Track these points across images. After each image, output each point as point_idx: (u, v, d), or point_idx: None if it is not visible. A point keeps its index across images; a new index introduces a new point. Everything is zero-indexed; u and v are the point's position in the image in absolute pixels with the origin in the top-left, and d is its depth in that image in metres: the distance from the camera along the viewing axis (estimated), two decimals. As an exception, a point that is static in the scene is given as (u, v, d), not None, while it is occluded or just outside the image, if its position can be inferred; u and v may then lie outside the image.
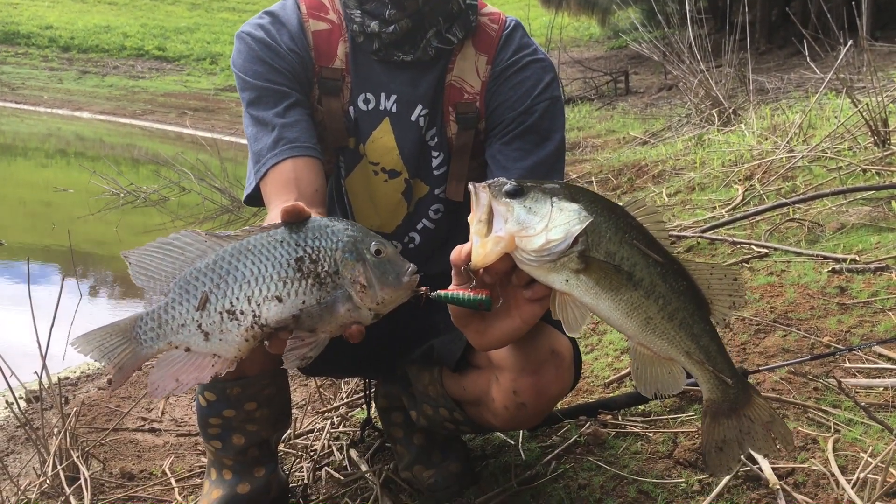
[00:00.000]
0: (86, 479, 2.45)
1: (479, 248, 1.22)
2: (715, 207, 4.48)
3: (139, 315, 1.23)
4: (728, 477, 1.82)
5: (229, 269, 1.19)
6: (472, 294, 1.28)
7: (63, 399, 2.85)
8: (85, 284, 5.88)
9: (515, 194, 1.22)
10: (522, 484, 2.00)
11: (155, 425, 3.12)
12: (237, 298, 1.18)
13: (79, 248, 6.23)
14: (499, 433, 2.29)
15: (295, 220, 1.24)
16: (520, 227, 1.20)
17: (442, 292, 1.30)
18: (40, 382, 2.76)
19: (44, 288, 5.59)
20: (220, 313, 1.18)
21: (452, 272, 1.31)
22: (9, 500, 2.40)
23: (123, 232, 7.87)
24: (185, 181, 9.18)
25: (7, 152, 13.88)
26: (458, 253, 1.27)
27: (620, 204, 1.26)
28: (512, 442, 2.24)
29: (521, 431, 2.25)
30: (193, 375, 1.21)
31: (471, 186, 1.26)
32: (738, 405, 1.28)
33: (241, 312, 1.18)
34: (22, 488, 2.49)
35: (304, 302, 1.19)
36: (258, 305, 1.18)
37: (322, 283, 1.20)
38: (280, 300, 1.18)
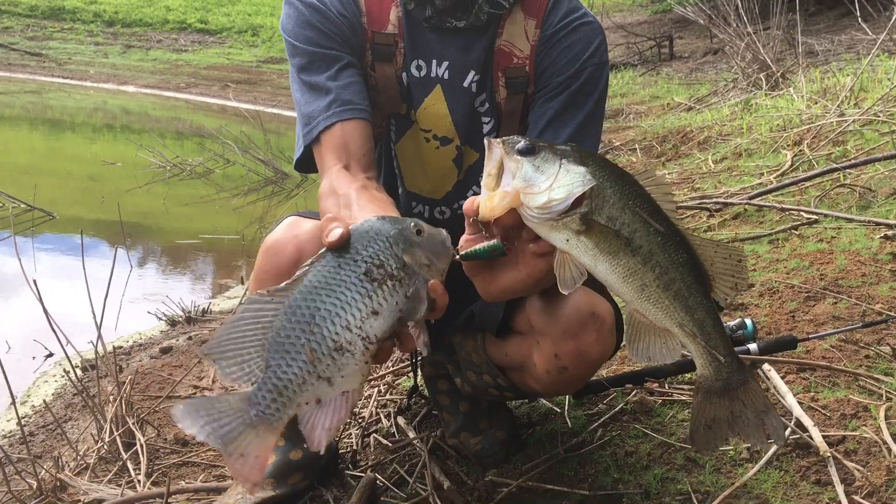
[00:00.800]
0: (142, 445, 2.52)
1: (487, 200, 1.26)
2: (763, 174, 4.41)
3: (247, 394, 1.17)
4: (777, 445, 1.81)
5: (312, 313, 1.17)
6: (485, 244, 1.32)
7: (118, 368, 2.93)
8: (134, 256, 6.00)
9: (527, 152, 1.24)
10: (569, 451, 2.01)
11: (206, 393, 3.19)
12: (337, 334, 1.17)
13: (128, 221, 6.33)
14: (544, 401, 2.30)
15: (342, 244, 1.23)
16: (526, 183, 1.22)
17: (463, 251, 1.34)
18: (96, 351, 2.83)
19: (95, 260, 5.72)
20: (330, 355, 1.17)
21: (465, 222, 1.34)
22: (68, 465, 2.48)
23: (171, 204, 7.99)
24: (230, 153, 9.27)
25: (56, 127, 14.12)
26: (469, 204, 1.30)
27: (630, 173, 1.27)
28: (558, 410, 2.25)
29: (567, 399, 2.26)
30: (336, 418, 1.18)
31: (486, 141, 1.29)
32: (732, 386, 1.29)
33: (349, 343, 1.17)
34: (81, 453, 2.57)
35: (397, 303, 1.20)
36: (360, 328, 1.18)
37: (400, 280, 1.21)
38: (377, 313, 1.18)
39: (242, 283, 5.22)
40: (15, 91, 17.79)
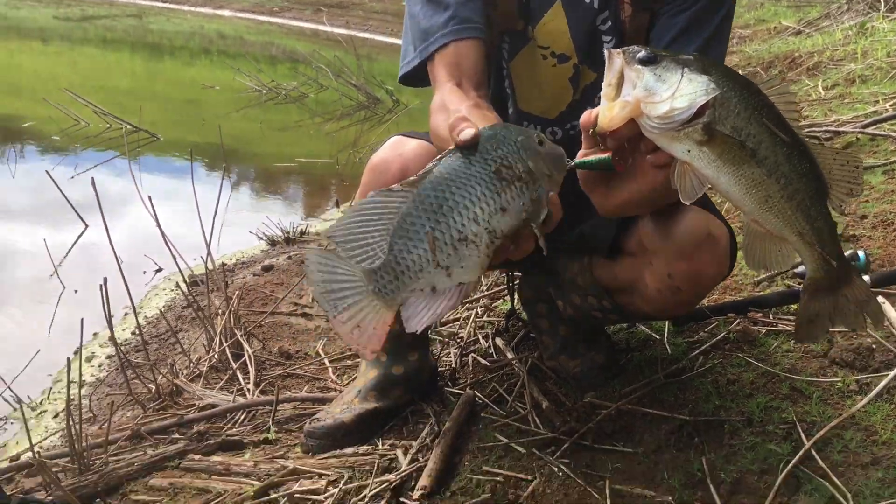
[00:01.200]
0: (249, 356, 2.64)
1: (606, 111, 1.25)
2: (878, 101, 4.18)
3: (369, 269, 1.21)
4: (889, 377, 1.77)
5: (441, 203, 1.20)
6: (597, 156, 1.33)
7: (225, 283, 3.05)
8: (233, 177, 6.17)
9: (648, 62, 1.23)
10: (669, 377, 2.00)
11: (306, 310, 3.30)
12: (463, 225, 1.19)
13: (226, 144, 6.46)
14: (643, 327, 2.29)
15: (472, 144, 1.25)
16: (647, 93, 1.21)
17: (573, 161, 1.35)
18: (206, 267, 2.96)
19: (196, 181, 5.90)
20: (453, 245, 1.19)
21: (582, 136, 1.34)
22: (182, 373, 2.62)
23: (266, 128, 8.15)
24: (323, 78, 9.35)
25: (156, 51, 14.48)
26: (587, 116, 1.30)
27: (754, 81, 1.25)
28: (657, 336, 2.24)
29: (667, 326, 2.24)
30: (445, 305, 1.22)
31: (606, 52, 1.27)
32: (837, 285, 1.33)
33: (475, 234, 1.19)
34: (193, 361, 2.71)
35: (523, 204, 1.22)
36: (488, 222, 1.20)
37: (526, 183, 1.23)
38: (504, 210, 1.20)
39: (338, 206, 5.32)
40: (117, 14, 18.27)
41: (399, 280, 1.20)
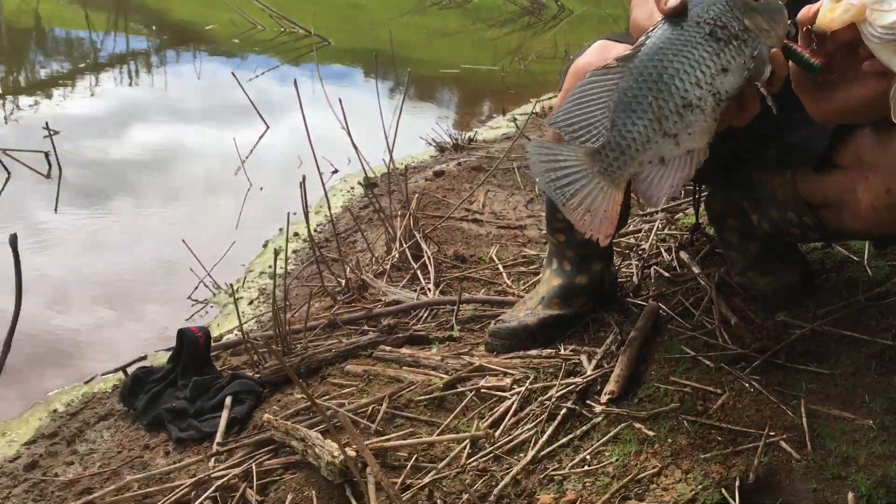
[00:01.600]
0: (429, 257, 2.73)
1: (827, 11, 1.18)
2: None
3: (592, 149, 1.21)
4: None
5: (660, 72, 1.18)
6: (807, 54, 1.26)
7: (406, 184, 3.13)
8: (386, 85, 6.22)
9: None
10: (870, 300, 1.92)
11: (477, 216, 3.35)
12: (686, 91, 1.18)
13: (385, 50, 6.51)
14: (840, 248, 2.20)
15: (682, 11, 1.22)
16: None
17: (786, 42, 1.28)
18: (388, 168, 3.05)
19: (360, 87, 6.01)
20: (678, 112, 1.19)
21: (798, 32, 1.27)
22: (367, 269, 2.74)
23: (429, 35, 8.15)
24: (487, -18, 9.23)
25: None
26: (806, 11, 1.23)
27: None
28: (855, 258, 2.14)
29: (867, 248, 2.14)
30: (679, 176, 1.21)
31: None
32: None
33: (699, 98, 1.18)
34: (376, 257, 2.83)
35: (744, 62, 1.19)
36: (710, 84, 1.19)
37: (744, 41, 1.20)
38: (726, 70, 1.19)
39: (503, 113, 5.30)
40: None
41: (625, 155, 1.20)
